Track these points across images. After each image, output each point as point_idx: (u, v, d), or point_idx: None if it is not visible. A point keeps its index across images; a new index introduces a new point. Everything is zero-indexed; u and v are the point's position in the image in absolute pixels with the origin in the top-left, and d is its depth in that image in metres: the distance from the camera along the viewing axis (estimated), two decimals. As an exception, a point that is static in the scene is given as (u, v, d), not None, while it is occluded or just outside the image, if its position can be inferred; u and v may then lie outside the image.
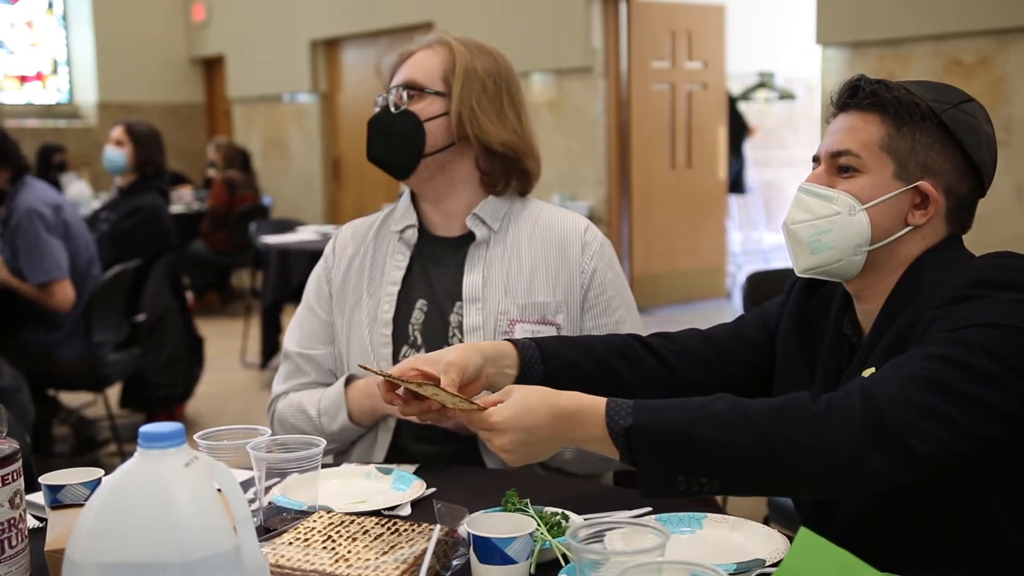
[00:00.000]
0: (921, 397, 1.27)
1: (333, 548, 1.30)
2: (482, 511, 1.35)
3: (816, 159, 1.53)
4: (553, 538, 1.33)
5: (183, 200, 8.68)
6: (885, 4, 4.77)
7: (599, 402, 1.36)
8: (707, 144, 8.17)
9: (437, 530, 1.30)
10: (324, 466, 1.57)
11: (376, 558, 1.27)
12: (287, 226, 6.99)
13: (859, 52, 4.92)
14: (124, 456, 4.51)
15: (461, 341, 1.88)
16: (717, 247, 8.45)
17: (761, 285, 2.95)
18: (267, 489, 1.46)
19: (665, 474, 1.30)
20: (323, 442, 1.48)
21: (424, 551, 1.27)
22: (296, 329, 2.02)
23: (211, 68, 12.21)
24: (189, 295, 5.27)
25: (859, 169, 1.45)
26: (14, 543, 1.26)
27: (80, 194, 7.79)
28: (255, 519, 1.41)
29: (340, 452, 1.97)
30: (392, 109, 1.92)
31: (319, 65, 10.07)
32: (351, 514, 1.42)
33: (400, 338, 1.92)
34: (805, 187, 1.49)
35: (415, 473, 1.70)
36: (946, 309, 1.35)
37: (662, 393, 1.51)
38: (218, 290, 8.80)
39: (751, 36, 9.85)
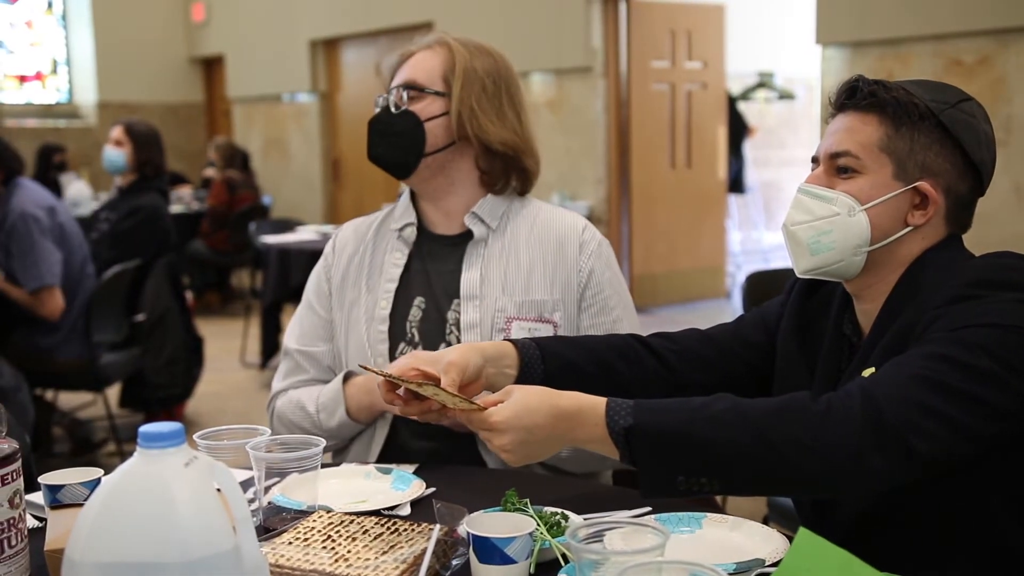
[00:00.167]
0: (921, 397, 1.27)
1: (333, 548, 1.30)
2: (482, 511, 1.35)
3: (815, 160, 1.52)
4: (553, 538, 1.33)
5: (183, 200, 8.68)
6: (885, 4, 4.77)
7: (599, 402, 1.36)
8: (707, 144, 8.17)
9: (437, 530, 1.30)
10: (324, 466, 1.57)
11: (376, 558, 1.27)
12: (287, 226, 6.99)
13: (859, 52, 4.92)
14: (124, 456, 4.51)
15: (458, 338, 1.88)
16: (717, 247, 8.45)
17: (761, 285, 2.95)
18: (267, 489, 1.46)
19: (665, 474, 1.30)
20: (323, 442, 1.48)
21: (424, 551, 1.27)
22: (296, 326, 2.03)
23: (211, 68, 12.21)
24: (189, 295, 5.27)
25: (858, 170, 1.45)
26: (13, 543, 1.26)
27: (80, 194, 7.79)
28: (255, 519, 1.41)
29: (339, 449, 1.98)
30: (392, 109, 1.93)
31: (319, 65, 10.07)
32: (351, 514, 1.42)
33: (397, 335, 1.93)
34: (804, 188, 1.49)
35: (415, 473, 1.70)
36: (946, 309, 1.35)
37: (662, 393, 1.51)
38: (218, 290, 8.80)
39: (751, 36, 9.85)
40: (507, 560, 1.24)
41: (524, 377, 1.60)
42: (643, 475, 1.32)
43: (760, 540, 1.38)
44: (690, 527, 1.43)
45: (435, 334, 1.91)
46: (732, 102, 8.89)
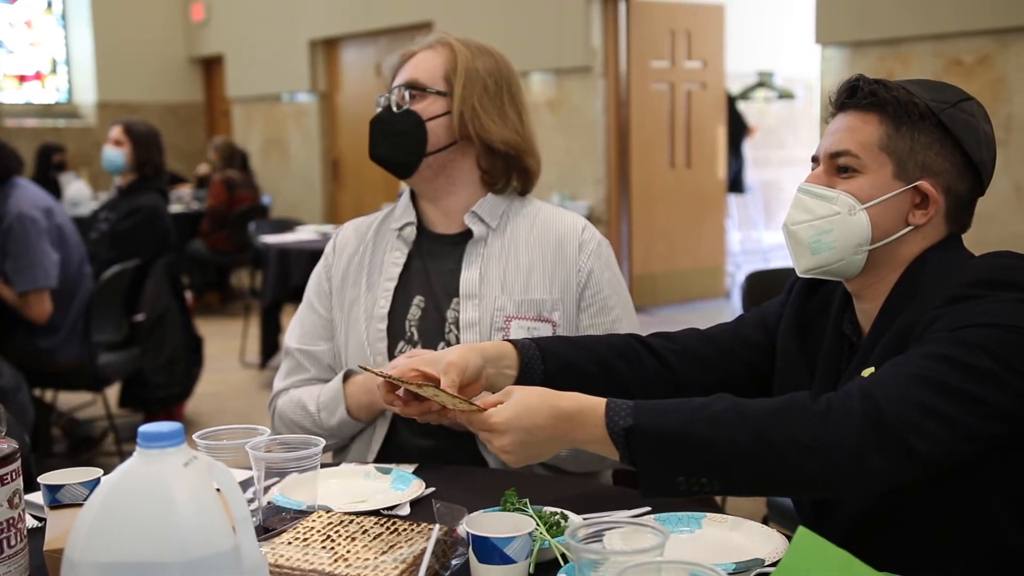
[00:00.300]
0: (921, 397, 1.27)
1: (332, 548, 1.30)
2: (481, 511, 1.35)
3: (815, 159, 1.52)
4: (552, 538, 1.33)
5: (182, 200, 8.68)
6: (885, 4, 4.77)
7: (599, 403, 1.36)
8: (706, 144, 8.17)
9: (436, 530, 1.30)
10: (323, 466, 1.57)
11: (375, 558, 1.27)
12: (286, 226, 6.99)
13: (859, 52, 4.92)
14: (123, 456, 4.51)
15: (457, 337, 1.89)
16: (716, 247, 8.45)
17: (760, 285, 2.95)
18: (266, 489, 1.46)
19: (665, 474, 1.30)
20: (322, 442, 1.48)
21: (423, 551, 1.27)
22: (297, 325, 2.03)
23: (210, 68, 12.21)
24: (188, 295, 5.27)
25: (858, 169, 1.45)
26: (13, 543, 1.26)
27: (79, 194, 7.78)
28: (254, 519, 1.41)
29: (339, 448, 1.98)
30: (394, 109, 1.94)
31: (318, 65, 10.07)
32: (350, 514, 1.42)
33: (396, 334, 1.93)
34: (804, 188, 1.49)
35: (414, 473, 1.70)
36: (946, 309, 1.35)
37: (662, 393, 1.51)
38: (217, 290, 8.80)
39: (750, 36, 9.85)
40: (506, 560, 1.24)
41: (524, 377, 1.60)
42: (643, 475, 1.32)
43: (759, 540, 1.38)
44: (689, 527, 1.43)
45: (434, 333, 1.91)
46: (732, 102, 8.89)
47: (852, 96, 1.48)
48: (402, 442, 1.91)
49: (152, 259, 4.65)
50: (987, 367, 1.28)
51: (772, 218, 10.47)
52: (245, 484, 1.48)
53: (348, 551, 1.29)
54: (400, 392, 1.56)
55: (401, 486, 1.64)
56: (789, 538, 1.32)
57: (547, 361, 1.62)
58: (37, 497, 1.50)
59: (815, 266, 1.48)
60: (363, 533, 1.34)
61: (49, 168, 8.61)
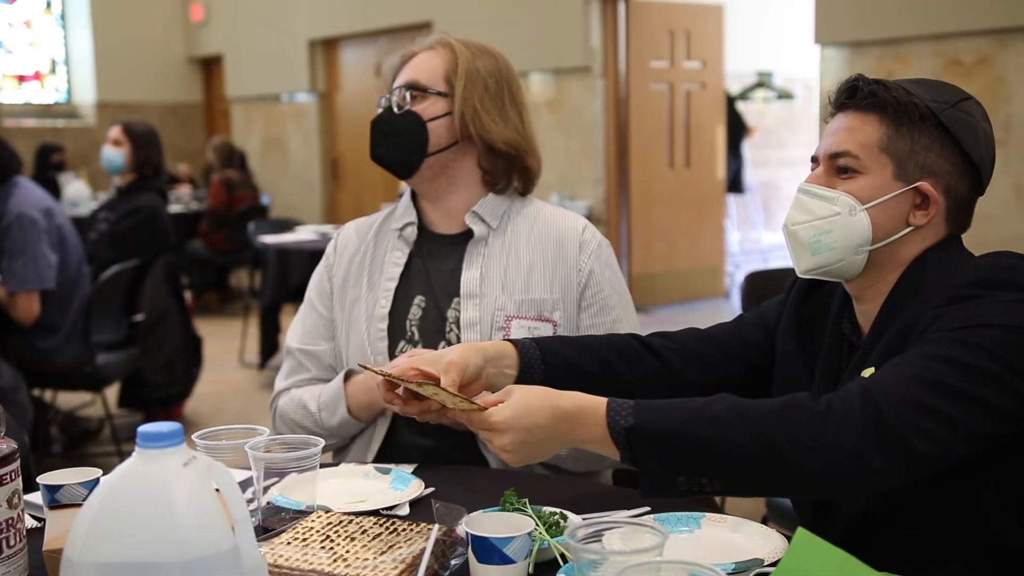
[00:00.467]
0: (922, 397, 1.27)
1: (331, 548, 1.30)
2: (480, 511, 1.35)
3: (815, 159, 1.52)
4: (551, 538, 1.33)
5: (181, 200, 8.68)
6: (884, 4, 4.77)
7: (600, 402, 1.36)
8: (705, 144, 8.17)
9: (435, 530, 1.29)
10: (323, 466, 1.57)
11: (374, 558, 1.27)
12: (286, 226, 6.99)
13: (858, 52, 4.92)
14: (122, 456, 4.51)
15: (458, 336, 1.89)
16: (715, 247, 8.45)
17: (759, 285, 2.95)
18: (265, 489, 1.46)
19: (666, 474, 1.30)
20: (321, 442, 1.48)
21: (422, 551, 1.27)
22: (298, 325, 2.04)
23: (210, 68, 12.21)
24: (188, 295, 5.27)
25: (858, 170, 1.45)
26: (12, 543, 1.26)
27: (78, 194, 7.78)
28: (253, 519, 1.41)
29: (339, 448, 1.98)
30: (395, 109, 1.94)
31: (318, 65, 10.06)
32: (349, 514, 1.42)
33: (397, 333, 1.93)
34: (804, 188, 1.49)
35: (413, 473, 1.70)
36: (946, 309, 1.35)
37: (662, 393, 1.51)
38: (217, 290, 8.80)
39: (750, 36, 9.85)
40: (506, 560, 1.24)
41: (524, 377, 1.60)
42: (644, 475, 1.32)
43: (759, 540, 1.38)
44: (689, 527, 1.43)
45: (435, 332, 1.91)
46: (731, 102, 8.89)
47: (852, 96, 1.47)
48: (402, 441, 1.91)
49: (151, 259, 4.65)
50: (987, 367, 1.28)
51: (771, 218, 10.48)
52: (244, 484, 1.48)
53: (347, 551, 1.29)
54: (400, 391, 1.56)
55: (400, 486, 1.64)
56: (788, 538, 1.32)
57: (547, 360, 1.62)
58: (36, 497, 1.50)
59: (815, 267, 1.48)
60: (362, 533, 1.34)
61: (48, 168, 8.61)
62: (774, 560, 1.30)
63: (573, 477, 1.87)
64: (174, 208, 7.88)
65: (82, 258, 4.29)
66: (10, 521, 1.25)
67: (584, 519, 1.37)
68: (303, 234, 6.57)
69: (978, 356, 1.29)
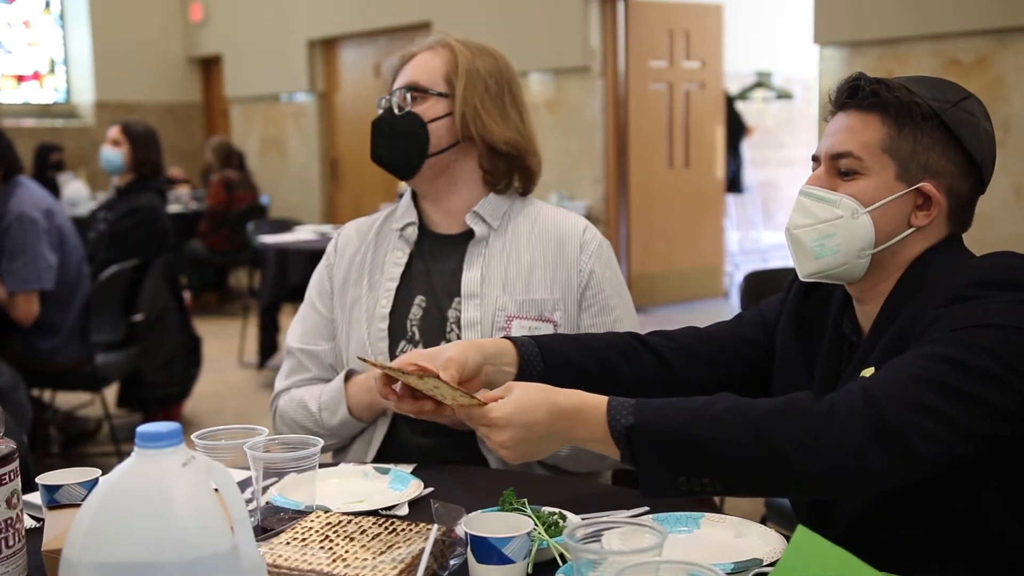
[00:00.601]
0: (922, 397, 1.27)
1: (330, 548, 1.30)
2: (479, 511, 1.35)
3: (815, 159, 1.51)
4: (550, 538, 1.33)
5: (181, 200, 8.68)
6: (883, 4, 4.77)
7: (600, 401, 1.36)
8: (705, 144, 8.17)
9: (434, 530, 1.29)
10: (322, 465, 1.57)
11: (373, 558, 1.27)
12: (285, 226, 6.98)
13: (857, 52, 4.92)
14: (121, 456, 4.51)
15: (459, 336, 1.89)
16: (715, 247, 8.45)
17: (759, 284, 2.94)
18: (264, 489, 1.45)
19: (666, 474, 1.30)
20: (320, 442, 1.48)
21: (421, 551, 1.27)
22: (299, 325, 2.04)
23: (209, 68, 12.20)
24: (187, 295, 5.27)
25: (861, 172, 1.44)
26: (11, 543, 1.26)
27: (77, 194, 7.78)
28: (252, 519, 1.41)
29: (340, 448, 1.98)
30: (395, 111, 1.94)
31: (317, 65, 10.06)
32: (348, 514, 1.42)
33: (398, 333, 1.93)
34: (806, 190, 1.48)
35: (412, 473, 1.70)
36: (947, 309, 1.35)
37: (661, 391, 1.51)
38: (216, 290, 8.79)
39: (749, 35, 9.85)
40: (505, 560, 1.24)
41: (523, 375, 1.60)
42: (644, 475, 1.31)
43: (758, 540, 1.38)
44: (688, 527, 1.43)
45: (435, 332, 1.91)
46: (730, 102, 8.89)
47: (853, 95, 1.46)
48: (402, 441, 1.91)
49: (150, 259, 4.65)
50: (988, 368, 1.28)
51: (770, 218, 10.48)
52: (243, 484, 1.48)
53: (346, 551, 1.29)
54: (397, 387, 1.55)
55: (399, 486, 1.64)
56: (787, 538, 1.32)
57: (546, 359, 1.62)
58: (35, 497, 1.50)
59: (818, 270, 1.48)
60: (361, 533, 1.34)
61: (47, 168, 8.61)
62: (773, 560, 1.30)
63: (572, 477, 1.87)
64: (173, 208, 7.87)
65: (83, 259, 4.29)
66: (9, 521, 1.25)
67: (583, 519, 1.37)
68: (302, 234, 6.56)
69: (979, 356, 1.29)
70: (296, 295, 5.32)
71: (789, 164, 10.74)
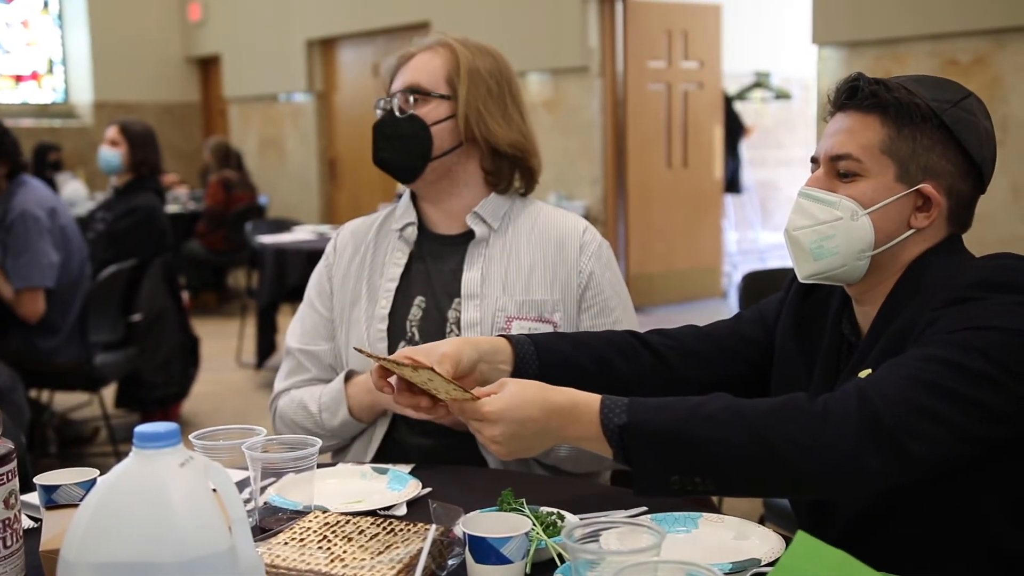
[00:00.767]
0: (918, 398, 1.26)
1: (328, 548, 1.30)
2: (478, 511, 1.35)
3: (815, 160, 1.51)
4: (549, 538, 1.33)
5: (179, 200, 8.67)
6: (881, 4, 4.78)
7: (594, 399, 1.35)
8: (703, 144, 8.17)
9: (433, 530, 1.29)
10: (320, 466, 1.57)
11: (371, 558, 1.27)
12: (283, 226, 6.98)
13: (855, 52, 4.93)
14: (119, 456, 4.50)
15: (459, 336, 1.88)
16: (713, 247, 8.45)
17: (757, 285, 2.95)
18: (263, 489, 1.45)
19: (659, 473, 1.29)
20: (318, 442, 1.48)
21: (419, 551, 1.27)
22: (298, 325, 2.03)
23: (207, 67, 12.20)
24: (185, 295, 5.27)
25: (860, 173, 1.43)
26: (9, 543, 1.25)
27: (75, 194, 7.78)
28: (250, 519, 1.40)
29: (340, 448, 1.98)
30: (397, 113, 1.93)
31: (315, 64, 10.06)
32: (347, 514, 1.42)
33: (397, 334, 1.93)
34: (805, 192, 1.47)
35: (411, 473, 1.70)
36: (945, 310, 1.34)
37: (660, 390, 1.51)
38: (214, 290, 8.79)
39: (747, 36, 9.86)
40: (503, 560, 1.24)
41: (519, 373, 1.59)
42: (637, 474, 1.31)
43: (756, 540, 1.38)
44: (686, 527, 1.43)
45: (435, 333, 1.91)
46: (728, 102, 8.89)
47: (852, 96, 1.46)
48: (402, 441, 1.91)
49: (149, 259, 4.65)
50: (984, 369, 1.28)
51: (769, 218, 10.48)
52: (241, 484, 1.48)
53: (344, 551, 1.29)
54: (393, 381, 1.55)
55: (397, 486, 1.64)
56: (785, 538, 1.32)
57: (542, 356, 1.61)
58: (33, 497, 1.50)
59: (817, 272, 1.47)
60: (359, 533, 1.34)
61: (45, 168, 8.60)
62: (771, 560, 1.30)
63: (570, 477, 1.87)
64: (171, 208, 7.87)
65: (86, 259, 4.30)
66: (7, 521, 1.25)
67: (581, 519, 1.37)
68: (300, 234, 6.56)
69: (974, 358, 1.28)
70: (294, 295, 5.32)
71: (787, 164, 10.74)
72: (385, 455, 1.90)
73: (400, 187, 2.09)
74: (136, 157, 4.77)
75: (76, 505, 1.38)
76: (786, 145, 10.87)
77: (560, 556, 1.30)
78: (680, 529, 1.42)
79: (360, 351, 1.61)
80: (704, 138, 8.17)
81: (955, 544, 1.39)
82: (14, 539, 1.26)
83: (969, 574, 1.39)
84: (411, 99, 1.93)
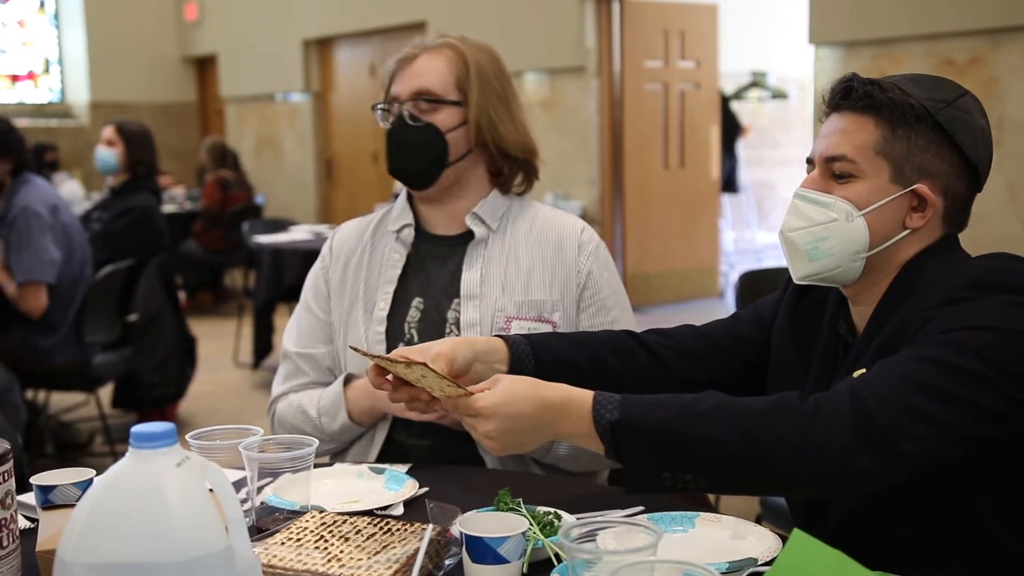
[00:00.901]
0: (910, 398, 1.26)
1: (325, 548, 1.30)
2: (474, 510, 1.35)
3: (810, 161, 1.51)
4: (546, 537, 1.33)
5: (175, 200, 8.67)
6: (878, 4, 4.78)
7: (586, 395, 1.36)
8: (700, 143, 8.18)
9: (429, 530, 1.29)
10: (317, 466, 1.57)
11: (368, 558, 1.27)
12: (280, 226, 6.97)
13: (852, 51, 4.93)
14: (116, 456, 4.49)
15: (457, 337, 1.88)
16: (710, 246, 8.46)
17: (754, 284, 2.95)
18: (259, 489, 1.45)
19: (650, 470, 1.30)
20: (315, 442, 1.48)
21: (416, 551, 1.27)
22: (294, 328, 2.03)
23: (204, 67, 12.19)
24: (182, 295, 5.26)
25: (855, 174, 1.43)
26: (5, 544, 1.25)
27: (72, 194, 7.77)
28: (247, 519, 1.41)
29: (340, 451, 1.98)
30: (409, 121, 1.92)
31: (312, 64, 10.05)
32: (343, 514, 1.42)
33: (396, 335, 1.93)
34: (801, 193, 1.47)
35: (408, 473, 1.70)
36: (940, 310, 1.35)
37: (656, 389, 1.51)
38: (211, 290, 8.78)
39: (744, 35, 9.86)
40: (500, 560, 1.24)
41: (515, 373, 1.59)
42: (628, 471, 1.31)
43: (753, 539, 1.38)
44: (683, 526, 1.43)
45: (434, 334, 1.91)
46: (725, 102, 8.90)
47: (847, 97, 1.45)
48: (401, 442, 1.91)
49: (145, 259, 4.65)
50: (977, 370, 1.28)
51: (766, 218, 10.49)
52: (238, 484, 1.48)
53: (341, 551, 1.29)
54: (390, 377, 1.55)
55: (394, 486, 1.64)
56: (782, 537, 1.32)
57: (538, 356, 1.61)
58: (29, 498, 1.49)
59: (812, 273, 1.47)
60: (356, 533, 1.34)
61: (41, 167, 8.58)
62: (768, 560, 1.30)
63: (567, 477, 1.87)
64: (168, 208, 7.87)
65: (87, 258, 4.30)
66: (3, 522, 1.25)
67: (578, 519, 1.37)
68: (297, 234, 6.55)
69: (968, 358, 1.28)
70: (291, 295, 5.31)
71: (784, 164, 10.74)
72: (385, 456, 1.90)
73: (397, 187, 2.08)
74: (132, 157, 4.77)
75: (72, 505, 1.38)
76: (783, 145, 10.87)
77: (557, 556, 1.30)
78: (677, 529, 1.42)
79: (355, 349, 1.61)
80: (701, 138, 8.18)
81: (950, 544, 1.39)
82: (10, 539, 1.26)
83: (966, 574, 1.39)
84: (422, 105, 1.92)
